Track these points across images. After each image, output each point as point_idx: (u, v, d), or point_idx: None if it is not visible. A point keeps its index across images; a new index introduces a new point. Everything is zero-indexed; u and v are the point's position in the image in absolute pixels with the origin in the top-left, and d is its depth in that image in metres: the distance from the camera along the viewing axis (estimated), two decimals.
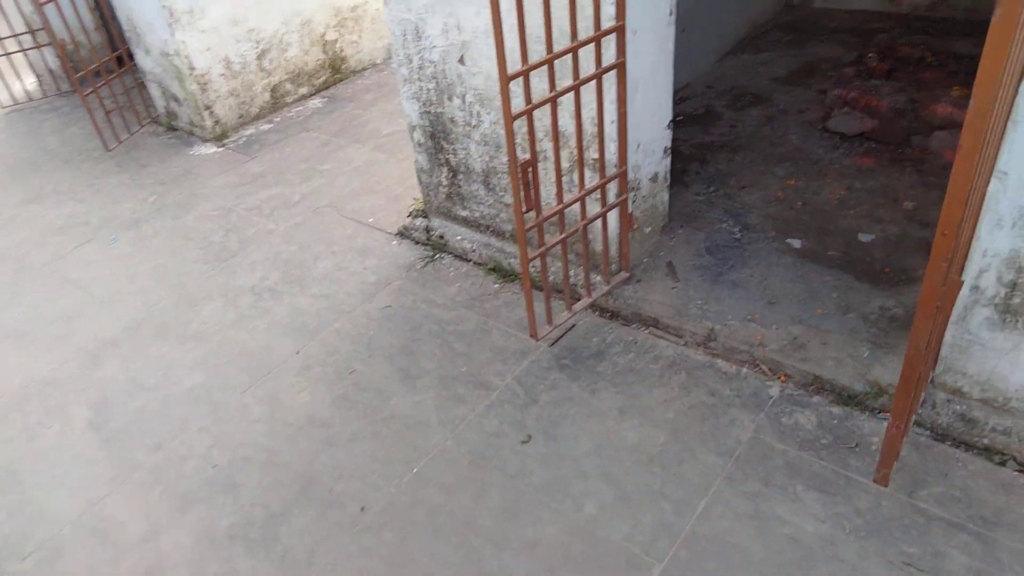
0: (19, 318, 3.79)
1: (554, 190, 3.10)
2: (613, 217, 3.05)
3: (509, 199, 3.48)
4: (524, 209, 2.65)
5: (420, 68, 3.43)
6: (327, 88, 5.97)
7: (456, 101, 3.39)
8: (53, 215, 4.74)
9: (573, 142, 2.98)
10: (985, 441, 2.34)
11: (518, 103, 2.68)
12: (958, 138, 3.48)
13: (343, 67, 6.05)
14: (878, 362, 2.60)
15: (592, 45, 2.58)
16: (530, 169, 2.62)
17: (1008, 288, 2.10)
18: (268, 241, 4.13)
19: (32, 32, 6.22)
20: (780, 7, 5.58)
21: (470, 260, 3.71)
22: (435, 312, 3.39)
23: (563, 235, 2.84)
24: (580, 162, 2.80)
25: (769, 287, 3.02)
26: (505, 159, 3.36)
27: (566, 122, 2.91)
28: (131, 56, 5.57)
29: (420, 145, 3.71)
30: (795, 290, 2.98)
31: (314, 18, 5.70)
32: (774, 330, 2.82)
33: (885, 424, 2.50)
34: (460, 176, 3.63)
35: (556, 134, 2.67)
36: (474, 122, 3.38)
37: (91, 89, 5.18)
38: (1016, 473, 2.28)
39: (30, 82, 7.01)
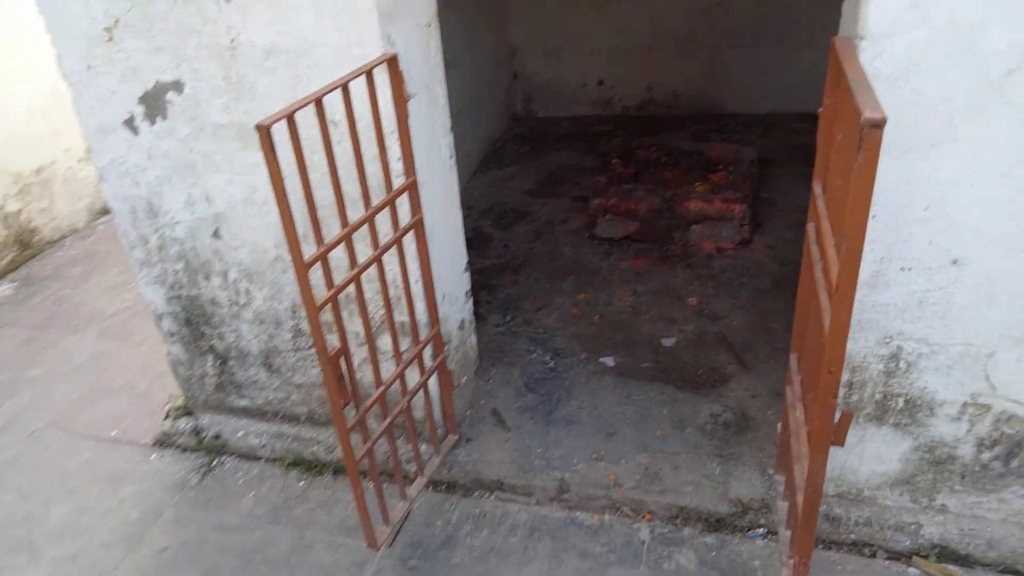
0: None
1: (367, 368, 2.72)
2: (433, 380, 2.72)
3: (300, 379, 2.99)
4: (343, 403, 2.22)
5: (161, 248, 2.85)
6: (17, 269, 4.89)
7: (216, 280, 2.86)
8: None
9: (375, 309, 2.63)
10: (852, 536, 2.38)
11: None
12: (713, 229, 3.82)
13: (34, 240, 5.03)
14: (732, 477, 2.57)
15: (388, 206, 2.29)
16: (342, 357, 2.21)
17: (845, 388, 2.16)
18: None
19: None
20: (509, 120, 5.83)
21: (261, 458, 3.10)
22: (232, 539, 2.73)
23: (389, 419, 2.44)
24: (393, 334, 2.45)
25: (602, 416, 2.90)
26: (288, 336, 2.89)
27: (365, 288, 2.56)
28: None
29: (172, 335, 3.07)
30: (627, 414, 2.89)
31: None
32: (624, 465, 2.68)
33: (759, 542, 2.45)
34: (232, 362, 3.05)
35: (364, 312, 2.30)
36: (243, 300, 2.87)
37: None
38: (888, 562, 2.33)
39: None
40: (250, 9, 2.28)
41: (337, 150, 2.24)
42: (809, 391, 1.88)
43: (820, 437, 1.63)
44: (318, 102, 1.95)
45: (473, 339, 3.17)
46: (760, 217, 3.96)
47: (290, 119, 1.87)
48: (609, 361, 3.18)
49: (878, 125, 1.25)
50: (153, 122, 2.60)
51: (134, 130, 2.63)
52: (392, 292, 2.55)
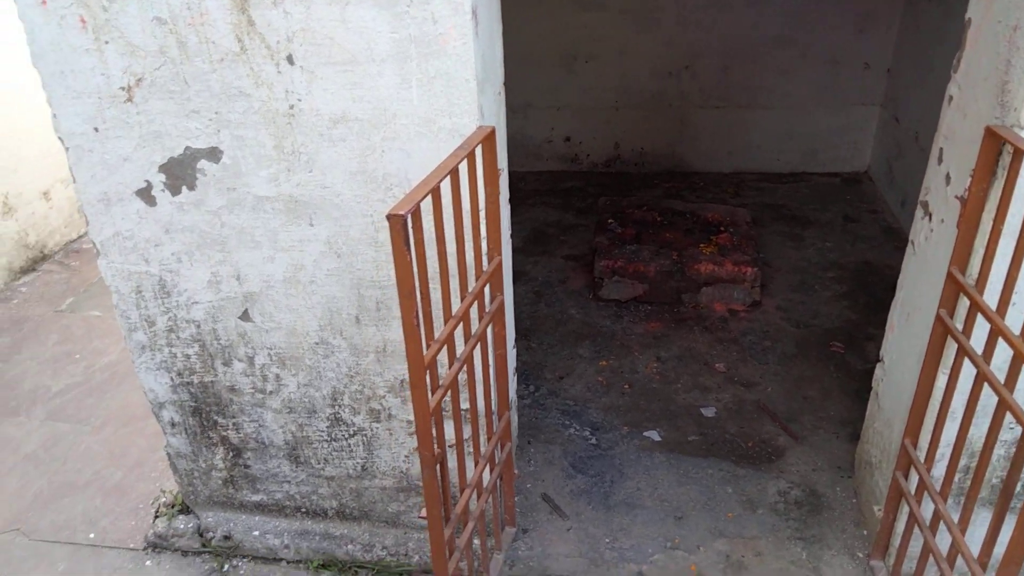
0: None
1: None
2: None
3: (332, 471, 2.68)
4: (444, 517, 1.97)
5: (171, 331, 2.50)
6: None
7: (239, 365, 2.53)
8: None
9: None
10: None
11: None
12: (724, 291, 3.82)
13: None
14: (821, 562, 2.49)
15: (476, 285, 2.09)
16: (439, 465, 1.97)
17: (962, 473, 2.14)
18: None
19: None
20: None
21: (282, 560, 2.75)
22: None
23: (473, 524, 2.20)
24: (475, 430, 2.23)
25: (665, 499, 2.76)
26: (324, 425, 2.59)
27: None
28: None
29: (175, 426, 2.69)
30: (691, 495, 2.77)
31: None
32: (703, 553, 2.55)
33: None
34: (248, 454, 2.70)
35: (458, 410, 2.08)
36: (271, 388, 2.55)
37: None
38: None
39: None
40: (318, 72, 2.05)
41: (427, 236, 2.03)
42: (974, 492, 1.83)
43: (1017, 547, 1.58)
44: (435, 189, 1.74)
45: (516, 418, 2.97)
46: (763, 278, 4.01)
47: (416, 210, 1.65)
48: (654, 435, 3.06)
49: None
50: (176, 193, 2.28)
51: (150, 201, 2.30)
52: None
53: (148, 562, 2.76)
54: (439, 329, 1.99)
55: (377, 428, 2.56)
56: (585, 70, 5.46)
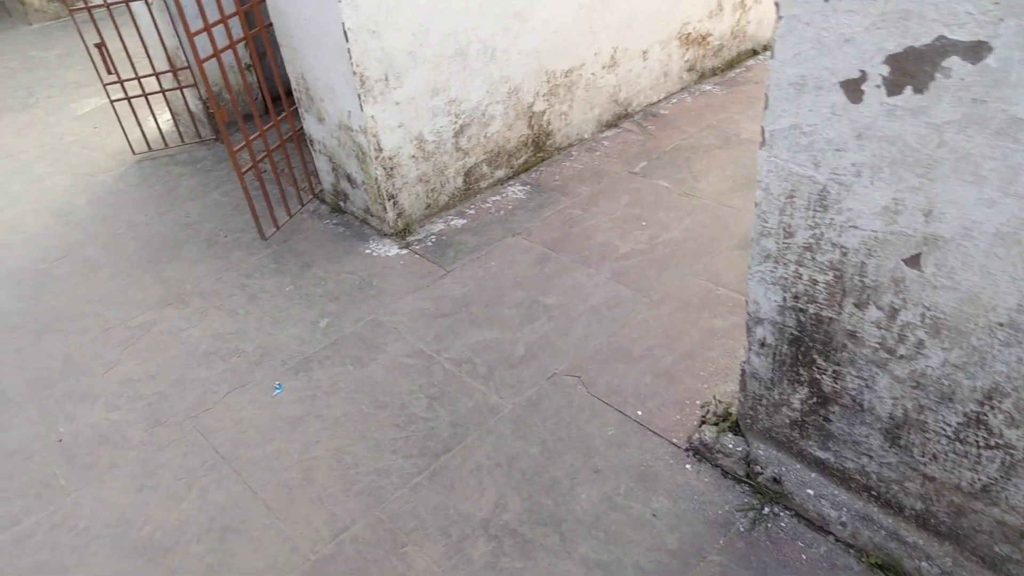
0: (156, 520, 2.69)
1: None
2: None
3: (934, 471, 2.15)
4: None
5: (808, 248, 2.15)
6: (527, 170, 4.78)
7: (874, 313, 2.09)
8: (197, 331, 3.68)
9: None
10: None
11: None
12: None
13: (547, 144, 4.86)
14: None
15: None
16: None
17: None
18: (494, 429, 2.92)
19: (174, 71, 5.29)
20: None
21: (831, 535, 2.40)
22: None
23: None
24: None
25: None
26: (954, 419, 2.04)
27: None
28: (295, 116, 4.52)
29: (764, 347, 2.43)
30: None
31: (523, 85, 4.53)
32: None
33: None
34: (835, 408, 2.33)
35: None
36: (903, 352, 2.07)
37: (243, 143, 4.12)
38: None
39: (164, 120, 6.15)
40: None
41: None
42: None
43: None
44: None
45: None
46: None
47: None
48: None
49: None
50: (895, 92, 1.79)
51: (854, 96, 1.87)
52: None
53: (688, 465, 2.69)
54: None
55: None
56: None
